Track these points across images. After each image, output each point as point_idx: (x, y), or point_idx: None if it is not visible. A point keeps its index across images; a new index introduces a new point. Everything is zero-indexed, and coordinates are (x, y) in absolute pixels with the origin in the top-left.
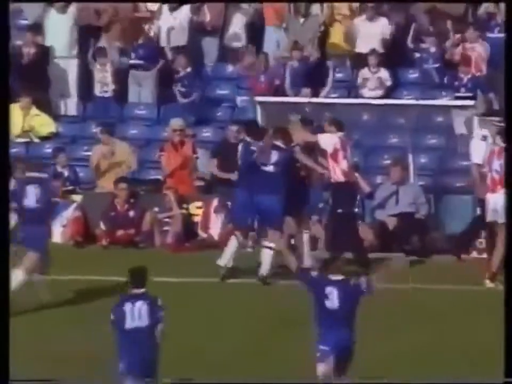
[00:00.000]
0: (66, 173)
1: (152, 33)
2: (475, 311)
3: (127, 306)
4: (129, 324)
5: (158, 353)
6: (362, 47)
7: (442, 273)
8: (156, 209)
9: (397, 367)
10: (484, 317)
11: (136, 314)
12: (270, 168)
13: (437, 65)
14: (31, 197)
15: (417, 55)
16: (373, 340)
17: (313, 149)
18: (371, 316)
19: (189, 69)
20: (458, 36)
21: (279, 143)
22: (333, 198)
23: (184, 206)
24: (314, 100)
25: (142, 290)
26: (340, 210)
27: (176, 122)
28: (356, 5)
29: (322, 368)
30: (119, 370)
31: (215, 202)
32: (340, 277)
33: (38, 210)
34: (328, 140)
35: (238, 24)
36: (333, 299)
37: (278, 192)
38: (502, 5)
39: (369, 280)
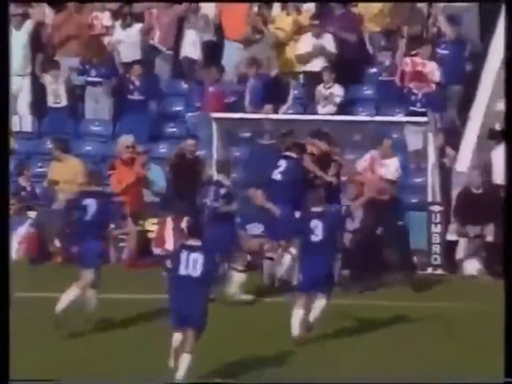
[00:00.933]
0: (28, 188)
1: (109, 50)
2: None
3: (183, 255)
4: (182, 271)
5: (207, 304)
6: (311, 64)
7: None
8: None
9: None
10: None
11: (190, 264)
12: (277, 177)
13: (391, 79)
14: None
15: (372, 70)
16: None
17: (326, 160)
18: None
19: (143, 79)
20: (412, 52)
21: (291, 153)
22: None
23: (140, 222)
24: (271, 116)
25: (199, 242)
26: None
27: (126, 139)
28: (309, 21)
29: (301, 301)
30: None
31: (169, 220)
32: (320, 208)
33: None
34: (394, 164)
35: (192, 43)
36: (317, 232)
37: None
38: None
39: (349, 207)
